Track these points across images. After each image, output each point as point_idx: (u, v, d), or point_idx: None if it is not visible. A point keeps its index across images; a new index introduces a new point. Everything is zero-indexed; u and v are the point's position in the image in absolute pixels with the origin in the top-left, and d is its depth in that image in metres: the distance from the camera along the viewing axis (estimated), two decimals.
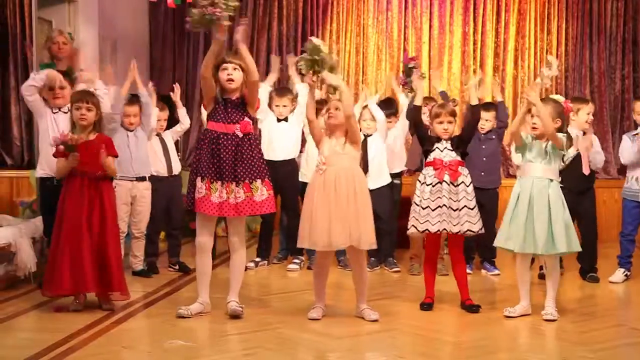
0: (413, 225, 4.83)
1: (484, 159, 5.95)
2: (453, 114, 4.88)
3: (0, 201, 6.56)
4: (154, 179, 5.83)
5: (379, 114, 5.98)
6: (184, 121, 6.18)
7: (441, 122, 4.84)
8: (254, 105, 4.58)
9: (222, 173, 4.41)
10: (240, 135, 4.43)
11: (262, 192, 4.46)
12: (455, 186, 4.77)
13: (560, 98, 4.87)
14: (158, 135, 6.00)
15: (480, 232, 4.84)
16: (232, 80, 4.45)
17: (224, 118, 4.46)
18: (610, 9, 8.43)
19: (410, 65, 5.56)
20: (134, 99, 5.72)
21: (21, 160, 7.05)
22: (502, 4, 8.50)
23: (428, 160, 4.87)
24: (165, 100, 6.21)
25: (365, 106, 6.11)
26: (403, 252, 6.39)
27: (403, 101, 6.30)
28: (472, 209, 4.78)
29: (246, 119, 4.48)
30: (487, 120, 5.96)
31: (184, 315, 4.46)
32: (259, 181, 4.46)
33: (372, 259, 6.11)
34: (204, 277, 4.62)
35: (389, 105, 6.35)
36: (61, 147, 4.56)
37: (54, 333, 4.13)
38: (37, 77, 5.19)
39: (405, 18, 8.58)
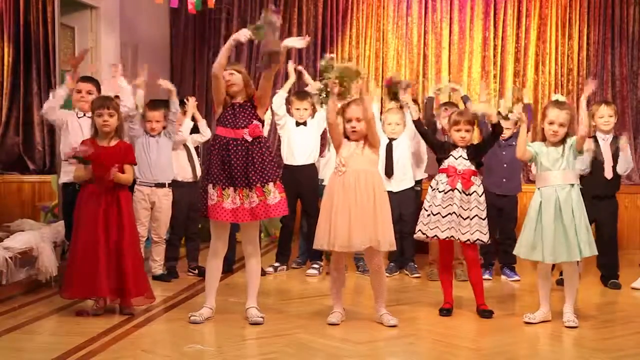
0: (420, 230, 4.84)
1: (505, 165, 5.92)
2: (472, 122, 4.87)
3: (23, 206, 6.63)
4: (178, 184, 5.87)
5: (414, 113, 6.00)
6: (205, 132, 6.15)
7: (459, 130, 4.83)
8: (264, 102, 4.53)
9: (234, 179, 4.40)
10: (250, 139, 4.41)
11: (274, 195, 4.42)
12: (467, 195, 4.76)
13: (562, 97, 4.81)
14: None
15: (488, 242, 4.85)
16: (233, 83, 4.44)
17: (232, 123, 4.43)
18: (632, 14, 8.36)
19: (393, 88, 5.61)
20: (157, 104, 5.75)
21: (43, 165, 7.12)
22: (523, 9, 8.45)
23: (442, 167, 4.86)
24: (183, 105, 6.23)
25: (389, 109, 6.13)
26: (421, 258, 6.37)
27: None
28: (483, 219, 4.77)
29: (255, 121, 4.45)
30: (507, 127, 5.92)
31: (198, 322, 4.49)
32: (270, 184, 4.42)
33: (392, 264, 6.11)
34: (212, 281, 4.64)
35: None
36: (73, 160, 4.61)
37: (74, 337, 4.17)
38: (57, 95, 5.26)
39: (425, 23, 8.57)
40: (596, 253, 4.64)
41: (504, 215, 5.93)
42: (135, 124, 5.61)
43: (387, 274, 5.84)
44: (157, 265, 5.80)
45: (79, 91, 5.29)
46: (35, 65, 7.03)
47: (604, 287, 5.73)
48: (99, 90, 5.38)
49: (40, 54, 7.02)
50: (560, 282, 5.34)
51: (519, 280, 5.94)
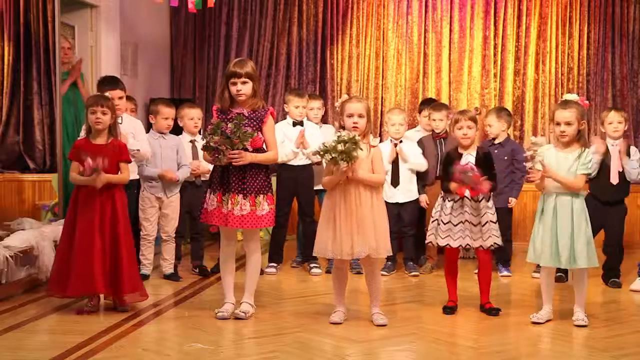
0: (430, 241, 4.86)
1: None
2: (473, 119, 4.85)
3: (23, 205, 6.62)
4: (184, 183, 5.86)
5: (421, 164, 6.03)
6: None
7: (460, 128, 4.82)
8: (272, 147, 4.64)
9: (229, 185, 4.49)
10: (250, 150, 4.47)
11: (262, 207, 4.53)
12: (476, 202, 4.74)
13: (575, 96, 4.71)
14: (192, 142, 6.01)
15: (502, 245, 4.86)
16: (242, 94, 4.51)
17: None
18: (632, 13, 8.35)
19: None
20: (170, 101, 5.75)
21: (43, 164, 7.11)
22: (524, 7, 8.45)
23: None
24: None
25: (391, 109, 6.18)
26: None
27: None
28: (495, 222, 4.77)
29: (259, 134, 4.52)
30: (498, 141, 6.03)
31: (226, 317, 4.56)
32: (262, 196, 4.53)
33: (389, 262, 6.10)
34: (228, 280, 4.72)
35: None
36: (95, 174, 4.59)
37: (75, 335, 4.17)
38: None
39: (426, 22, 8.55)
40: (595, 265, 4.63)
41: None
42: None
43: (385, 272, 5.91)
44: (168, 265, 5.78)
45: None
46: (35, 64, 7.01)
47: (604, 286, 5.73)
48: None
49: (40, 53, 7.01)
50: (557, 279, 5.33)
51: (510, 276, 5.98)
